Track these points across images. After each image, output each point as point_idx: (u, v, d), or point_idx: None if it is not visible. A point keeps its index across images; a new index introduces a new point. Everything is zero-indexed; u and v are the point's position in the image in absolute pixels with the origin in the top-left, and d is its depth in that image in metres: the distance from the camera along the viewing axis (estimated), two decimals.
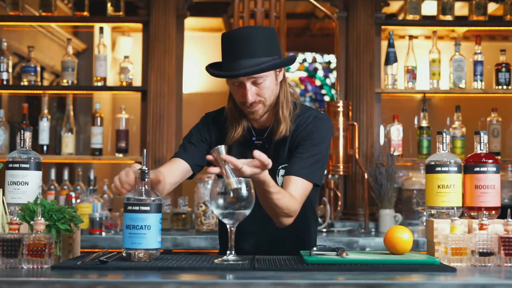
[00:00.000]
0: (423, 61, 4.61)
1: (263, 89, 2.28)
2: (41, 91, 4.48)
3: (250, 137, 2.41)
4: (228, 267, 1.87)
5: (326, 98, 7.94)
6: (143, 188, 1.95)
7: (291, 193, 2.25)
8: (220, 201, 1.95)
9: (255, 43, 2.23)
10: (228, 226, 1.99)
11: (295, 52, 7.93)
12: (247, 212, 1.97)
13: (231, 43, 2.25)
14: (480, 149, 2.21)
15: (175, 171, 2.36)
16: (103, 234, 3.79)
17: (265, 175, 2.10)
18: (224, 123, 2.43)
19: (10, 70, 4.44)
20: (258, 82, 2.26)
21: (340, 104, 4.09)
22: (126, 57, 4.53)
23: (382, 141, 4.41)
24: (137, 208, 1.93)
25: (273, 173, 2.32)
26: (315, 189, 2.40)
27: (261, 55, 2.23)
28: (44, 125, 4.40)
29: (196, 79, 7.24)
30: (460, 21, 4.68)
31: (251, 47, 2.22)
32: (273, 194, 2.17)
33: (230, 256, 1.96)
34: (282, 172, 2.37)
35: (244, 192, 1.95)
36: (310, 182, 2.31)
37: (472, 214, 2.19)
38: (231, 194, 1.94)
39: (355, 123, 4.16)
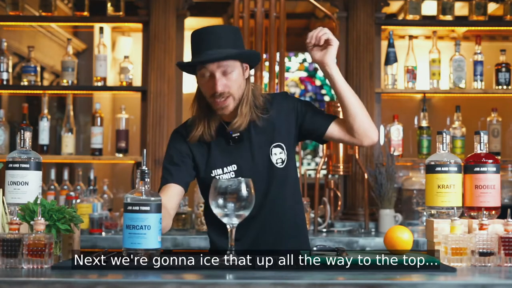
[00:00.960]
0: (423, 61, 4.61)
1: (231, 80, 2.35)
2: (41, 91, 4.48)
3: (226, 131, 2.44)
4: (228, 267, 1.87)
5: (326, 98, 7.94)
6: (143, 188, 1.95)
7: None
8: (220, 201, 1.95)
9: (222, 36, 2.35)
10: (228, 226, 1.99)
11: (295, 52, 7.93)
12: (247, 212, 1.98)
13: (199, 38, 2.36)
14: (480, 149, 2.21)
15: (172, 197, 2.41)
16: (103, 234, 3.79)
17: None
18: (190, 131, 2.46)
19: (10, 70, 4.44)
20: (228, 71, 2.34)
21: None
22: (126, 57, 4.53)
23: (382, 141, 4.41)
24: (137, 208, 1.93)
25: (266, 154, 2.44)
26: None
27: (228, 47, 2.34)
28: (44, 125, 4.40)
29: None
30: (460, 21, 4.68)
31: (218, 39, 2.34)
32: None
33: (230, 256, 1.97)
34: (275, 150, 2.46)
35: (244, 192, 1.96)
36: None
37: (472, 214, 2.19)
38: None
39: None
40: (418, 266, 1.90)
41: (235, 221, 1.98)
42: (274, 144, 2.46)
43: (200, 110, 2.45)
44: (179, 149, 2.48)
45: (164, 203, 2.24)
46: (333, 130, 2.48)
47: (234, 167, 2.45)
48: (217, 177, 2.44)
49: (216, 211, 1.97)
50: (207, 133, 2.44)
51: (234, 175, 2.43)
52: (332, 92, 7.92)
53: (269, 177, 2.45)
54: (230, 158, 2.44)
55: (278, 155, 2.46)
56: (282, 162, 2.46)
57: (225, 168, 2.45)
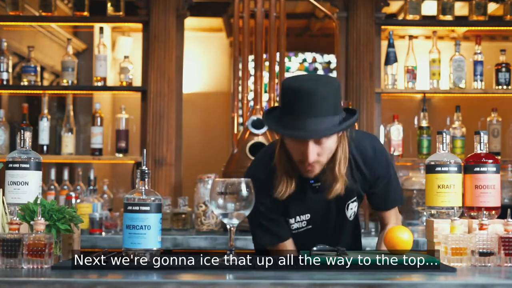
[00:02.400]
0: (423, 61, 4.61)
1: (324, 149, 2.16)
2: (41, 91, 4.48)
3: (306, 180, 2.28)
4: (228, 267, 1.87)
5: None
6: (143, 188, 1.95)
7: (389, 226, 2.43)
8: (220, 201, 1.95)
9: (322, 101, 2.09)
10: (228, 226, 1.99)
11: (295, 52, 7.93)
12: (247, 212, 1.98)
13: (296, 98, 2.10)
14: (480, 149, 2.20)
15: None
16: (103, 234, 3.79)
17: None
18: (270, 179, 2.27)
19: (10, 70, 4.44)
20: (322, 141, 2.14)
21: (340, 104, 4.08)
22: (126, 57, 4.53)
23: (382, 141, 4.41)
24: (137, 208, 1.93)
25: (342, 209, 2.38)
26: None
27: (328, 114, 2.10)
28: (44, 125, 4.40)
29: (196, 79, 7.24)
30: (460, 21, 4.68)
31: (318, 106, 2.08)
32: None
33: (230, 256, 1.96)
34: (351, 205, 2.39)
35: (244, 192, 1.95)
36: (397, 206, 2.50)
37: (472, 214, 2.19)
38: None
39: (355, 123, 4.15)
40: (418, 266, 1.90)
41: (235, 221, 1.98)
42: (352, 200, 2.37)
43: (285, 164, 2.24)
44: (266, 202, 2.30)
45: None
46: (381, 216, 2.48)
47: (308, 216, 2.36)
48: (289, 225, 2.38)
49: (216, 211, 1.96)
50: (292, 189, 2.26)
51: (305, 224, 2.38)
52: None
53: (339, 227, 2.41)
54: (306, 207, 2.34)
55: (353, 209, 2.40)
56: (354, 214, 2.43)
57: (298, 217, 2.36)
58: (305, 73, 7.97)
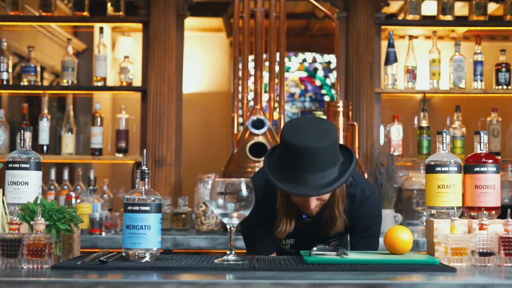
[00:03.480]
0: (423, 61, 4.61)
1: (324, 197, 2.25)
2: (41, 91, 4.48)
3: (299, 214, 2.34)
4: (228, 267, 1.87)
5: (326, 98, 7.94)
6: (143, 188, 1.95)
7: None
8: (220, 201, 1.95)
9: (322, 157, 2.14)
10: (228, 226, 1.99)
11: (295, 52, 7.93)
12: (247, 212, 1.98)
13: (297, 156, 2.14)
14: (480, 149, 2.20)
15: None
16: (103, 234, 3.79)
17: None
18: (274, 195, 2.33)
19: (10, 70, 4.44)
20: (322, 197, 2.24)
21: (340, 104, 4.09)
22: (126, 57, 4.53)
23: (382, 141, 4.41)
24: (137, 208, 1.93)
25: (324, 242, 2.40)
26: None
27: (328, 168, 2.15)
28: (44, 125, 4.40)
29: (196, 79, 7.24)
30: (460, 21, 4.68)
31: (318, 162, 2.13)
32: None
33: (230, 256, 1.96)
34: (333, 242, 2.43)
35: (244, 192, 1.95)
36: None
37: (472, 214, 2.19)
38: None
39: (355, 123, 4.16)
40: (418, 266, 1.90)
41: (235, 221, 1.98)
42: (334, 239, 2.43)
43: (286, 207, 2.31)
44: (261, 221, 2.36)
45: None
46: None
47: (292, 240, 2.44)
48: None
49: (216, 211, 1.96)
50: (292, 228, 2.34)
51: (289, 247, 2.45)
52: (332, 92, 7.93)
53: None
54: (292, 234, 2.38)
55: (334, 242, 2.44)
56: (339, 237, 2.46)
57: (283, 241, 2.44)
58: (305, 73, 7.97)
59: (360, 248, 2.38)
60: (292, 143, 2.14)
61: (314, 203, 2.21)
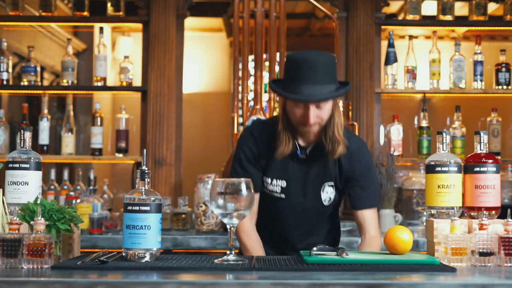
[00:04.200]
0: (423, 61, 4.61)
1: (323, 112, 2.37)
2: (41, 91, 4.48)
3: (294, 150, 2.47)
4: (228, 267, 1.87)
5: None
6: (143, 188, 1.95)
7: (370, 233, 2.50)
8: (220, 201, 1.95)
9: (322, 69, 2.32)
10: (228, 226, 1.99)
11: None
12: (247, 212, 1.98)
13: (298, 67, 2.33)
14: (480, 149, 2.20)
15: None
16: (103, 234, 3.79)
17: None
18: (273, 135, 2.48)
19: (10, 70, 4.44)
20: (321, 105, 2.36)
21: (340, 104, 4.06)
22: (126, 57, 4.53)
23: (382, 141, 4.41)
24: (137, 208, 1.93)
25: (318, 188, 2.48)
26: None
27: (326, 82, 2.33)
28: (44, 125, 4.40)
29: (196, 79, 7.24)
30: (460, 21, 4.68)
31: (318, 73, 2.31)
32: None
33: (230, 256, 1.96)
34: (327, 188, 2.50)
35: (244, 192, 1.96)
36: (376, 207, 2.56)
37: (472, 214, 2.19)
38: None
39: (355, 123, 4.16)
40: (418, 266, 1.90)
41: (235, 221, 1.98)
42: (329, 182, 2.50)
43: (287, 127, 2.45)
44: (249, 154, 2.51)
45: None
46: (358, 216, 2.53)
47: (284, 183, 2.49)
48: (265, 184, 2.52)
49: (216, 211, 1.97)
50: (290, 151, 2.46)
51: (280, 190, 2.50)
52: None
53: (313, 210, 2.52)
54: (285, 174, 2.49)
55: (328, 194, 2.51)
56: (330, 201, 2.51)
57: (274, 180, 2.50)
58: None
59: (359, 200, 2.50)
60: (294, 57, 2.36)
61: (313, 115, 2.34)
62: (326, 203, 2.50)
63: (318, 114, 2.35)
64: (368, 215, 2.51)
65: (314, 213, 2.52)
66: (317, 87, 2.31)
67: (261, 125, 2.59)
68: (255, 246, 2.48)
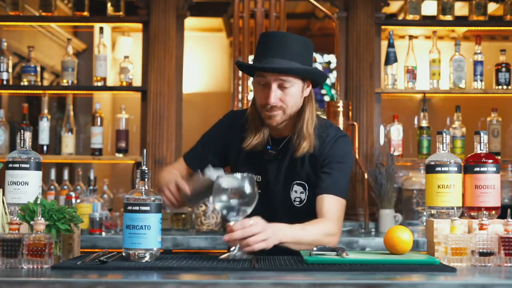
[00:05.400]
0: (423, 61, 4.61)
1: (287, 95, 2.26)
2: (41, 91, 4.48)
3: (265, 145, 2.38)
4: (228, 267, 1.87)
5: (326, 98, 7.94)
6: (143, 188, 1.95)
7: (326, 217, 2.24)
8: (224, 197, 1.96)
9: (290, 46, 2.25)
10: (231, 223, 1.99)
11: None
12: (250, 209, 1.99)
13: (267, 41, 2.27)
14: (480, 149, 2.21)
15: (179, 170, 2.45)
16: (103, 234, 3.79)
17: (283, 237, 2.08)
18: (245, 125, 2.41)
19: (10, 70, 4.44)
20: (285, 86, 2.25)
21: (340, 104, 4.09)
22: (126, 57, 4.53)
23: (382, 141, 4.41)
24: (137, 208, 1.93)
25: (287, 187, 2.36)
26: None
27: (294, 60, 2.24)
28: (44, 125, 4.40)
29: (196, 79, 7.24)
30: (460, 21, 4.68)
31: (285, 49, 2.23)
32: (303, 242, 2.15)
33: (236, 251, 1.97)
34: (296, 188, 2.36)
35: (247, 189, 1.97)
36: (342, 198, 2.31)
37: (472, 214, 2.19)
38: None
39: (355, 123, 4.16)
40: (418, 266, 1.90)
41: (239, 218, 1.99)
42: (297, 181, 2.37)
43: (256, 117, 2.37)
44: (217, 138, 2.46)
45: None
46: (317, 202, 2.30)
47: (259, 178, 2.38)
48: None
49: (219, 207, 1.98)
50: (260, 144, 2.36)
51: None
52: (332, 92, 7.93)
53: (283, 209, 2.37)
54: (255, 170, 2.34)
55: (297, 193, 2.37)
56: (300, 202, 2.36)
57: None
58: None
59: (321, 185, 2.28)
60: (266, 33, 2.33)
61: (274, 95, 2.23)
62: (296, 203, 2.36)
63: (281, 97, 2.24)
64: (327, 202, 2.26)
65: (285, 214, 2.35)
66: (284, 62, 2.22)
67: (243, 116, 2.44)
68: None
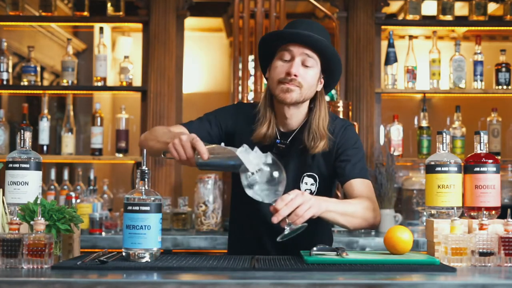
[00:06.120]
0: (423, 61, 4.61)
1: (307, 74, 2.30)
2: (41, 91, 4.48)
3: (274, 139, 2.39)
4: (228, 267, 1.87)
5: (326, 98, 7.94)
6: (143, 188, 1.95)
7: (361, 197, 2.29)
8: (266, 168, 1.97)
9: (317, 27, 2.32)
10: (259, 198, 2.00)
11: None
12: (281, 192, 1.99)
13: (294, 22, 2.35)
14: (480, 149, 2.20)
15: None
16: (103, 234, 3.79)
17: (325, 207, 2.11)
18: (254, 118, 2.41)
19: (10, 70, 4.44)
20: (306, 64, 2.29)
21: (340, 104, 4.09)
22: (126, 57, 4.53)
23: (382, 141, 4.41)
24: (137, 208, 1.93)
25: (297, 180, 2.37)
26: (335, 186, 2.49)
27: (322, 36, 2.30)
28: (44, 125, 4.40)
29: (196, 79, 7.24)
30: (460, 21, 4.68)
31: (313, 26, 2.31)
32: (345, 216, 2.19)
33: (288, 230, 1.99)
34: (306, 179, 2.38)
35: (275, 173, 1.97)
36: (367, 180, 2.37)
37: (472, 214, 2.19)
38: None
39: (355, 123, 4.15)
40: (418, 266, 1.90)
41: (276, 198, 1.99)
42: (308, 173, 2.39)
43: (267, 109, 2.38)
44: (221, 119, 2.46)
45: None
46: (347, 189, 2.35)
47: None
48: None
49: (245, 184, 1.98)
50: (269, 137, 2.37)
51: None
52: (332, 92, 7.92)
53: None
54: None
55: (307, 185, 2.39)
56: (311, 193, 2.36)
57: None
58: None
59: (345, 171, 2.33)
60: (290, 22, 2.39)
61: (297, 66, 2.27)
62: (307, 186, 2.38)
63: (301, 73, 2.28)
64: (356, 185, 2.32)
65: None
66: (313, 34, 2.27)
67: (241, 107, 2.51)
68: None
